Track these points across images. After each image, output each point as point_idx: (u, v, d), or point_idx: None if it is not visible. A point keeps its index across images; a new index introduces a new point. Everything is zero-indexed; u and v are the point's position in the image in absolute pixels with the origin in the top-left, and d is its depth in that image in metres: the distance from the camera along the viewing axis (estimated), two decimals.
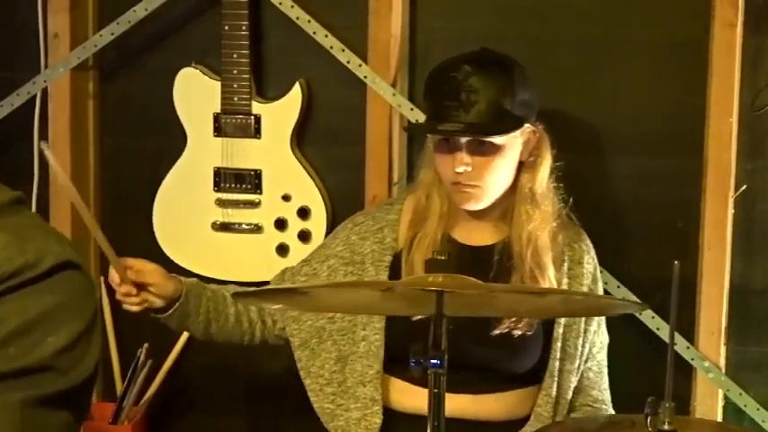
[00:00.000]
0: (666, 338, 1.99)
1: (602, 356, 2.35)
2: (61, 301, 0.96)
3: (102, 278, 2.33)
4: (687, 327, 2.48)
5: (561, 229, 2.30)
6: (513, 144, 2.21)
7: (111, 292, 2.18)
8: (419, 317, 2.16)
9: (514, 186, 2.27)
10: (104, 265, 2.40)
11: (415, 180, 2.43)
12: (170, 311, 2.24)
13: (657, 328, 2.44)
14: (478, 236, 2.32)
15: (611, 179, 2.65)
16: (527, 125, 2.22)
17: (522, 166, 2.25)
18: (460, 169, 2.18)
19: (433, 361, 1.69)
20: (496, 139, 2.18)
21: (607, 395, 2.35)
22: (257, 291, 2.31)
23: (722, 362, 2.49)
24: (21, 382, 0.91)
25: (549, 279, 2.23)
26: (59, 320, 0.95)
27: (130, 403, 2.65)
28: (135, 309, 2.21)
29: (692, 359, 2.46)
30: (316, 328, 2.36)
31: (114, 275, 2.18)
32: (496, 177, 2.22)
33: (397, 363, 2.25)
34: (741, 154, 2.48)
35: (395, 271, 2.29)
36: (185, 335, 2.63)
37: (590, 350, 2.31)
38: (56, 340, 0.94)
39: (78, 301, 0.98)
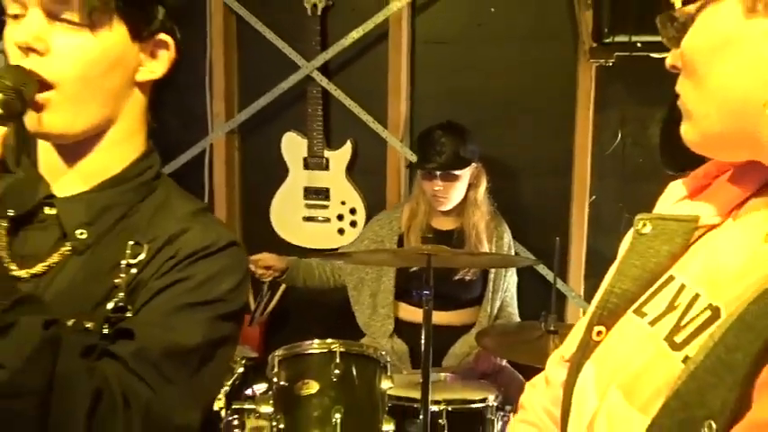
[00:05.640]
0: (552, 279, 2.43)
1: (513, 288, 2.85)
2: (229, 264, 1.05)
3: None
4: (563, 274, 3.01)
5: (492, 219, 2.76)
6: (465, 174, 2.66)
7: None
8: (413, 269, 2.62)
9: (465, 197, 2.70)
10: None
11: (410, 194, 2.88)
12: (284, 277, 2.82)
13: (547, 275, 2.95)
14: (445, 223, 2.76)
15: (524, 192, 3.14)
16: (473, 164, 2.68)
17: (470, 186, 2.71)
18: (437, 188, 2.64)
19: (425, 292, 2.09)
20: (456, 172, 2.63)
21: (516, 309, 2.84)
22: (327, 255, 2.85)
23: (582, 292, 3.06)
24: (208, 306, 1.01)
25: (485, 248, 2.70)
26: (228, 273, 1.04)
27: (259, 314, 3.16)
28: (267, 279, 2.79)
29: (566, 292, 3.01)
30: (359, 278, 2.85)
31: (254, 268, 2.67)
32: (456, 193, 2.66)
33: (402, 295, 2.79)
34: (593, 176, 3.00)
35: (400, 244, 2.78)
36: None
37: (507, 286, 2.81)
38: (226, 285, 1.03)
39: (239, 264, 1.07)
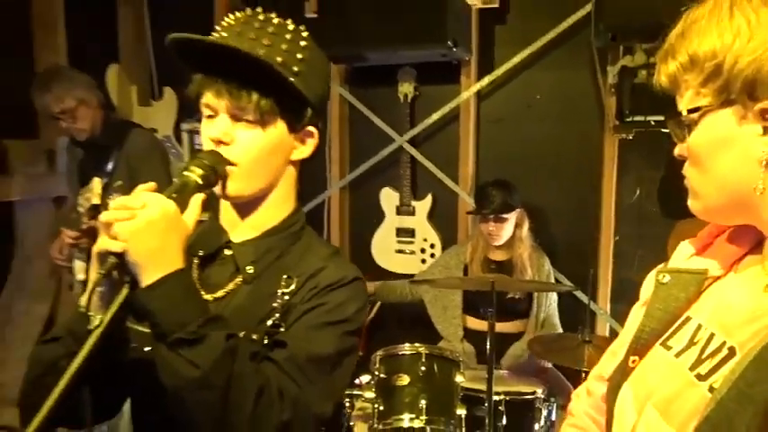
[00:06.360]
0: (586, 301, 2.40)
1: (554, 305, 2.74)
2: (354, 294, 1.03)
3: None
4: (595, 297, 2.87)
5: (534, 252, 2.70)
6: (512, 217, 2.64)
7: None
8: (475, 290, 2.57)
9: (513, 234, 2.67)
10: None
11: (472, 234, 2.85)
12: (371, 298, 2.75)
13: (582, 298, 2.68)
14: (498, 255, 2.73)
15: (565, 234, 3.01)
16: (517, 209, 2.65)
17: (516, 226, 2.67)
18: (491, 229, 2.63)
19: (490, 309, 2.15)
20: (505, 216, 2.62)
21: (558, 320, 2.74)
22: (415, 280, 2.76)
23: (608, 310, 2.89)
24: (339, 325, 0.99)
25: (529, 275, 2.63)
26: (353, 300, 1.02)
27: None
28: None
29: (597, 310, 2.86)
30: (433, 295, 2.78)
31: None
32: (506, 232, 2.65)
33: (469, 309, 2.73)
34: (617, 222, 2.87)
35: (465, 271, 2.74)
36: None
37: (549, 302, 2.71)
38: (352, 309, 1.01)
39: (361, 293, 1.05)
